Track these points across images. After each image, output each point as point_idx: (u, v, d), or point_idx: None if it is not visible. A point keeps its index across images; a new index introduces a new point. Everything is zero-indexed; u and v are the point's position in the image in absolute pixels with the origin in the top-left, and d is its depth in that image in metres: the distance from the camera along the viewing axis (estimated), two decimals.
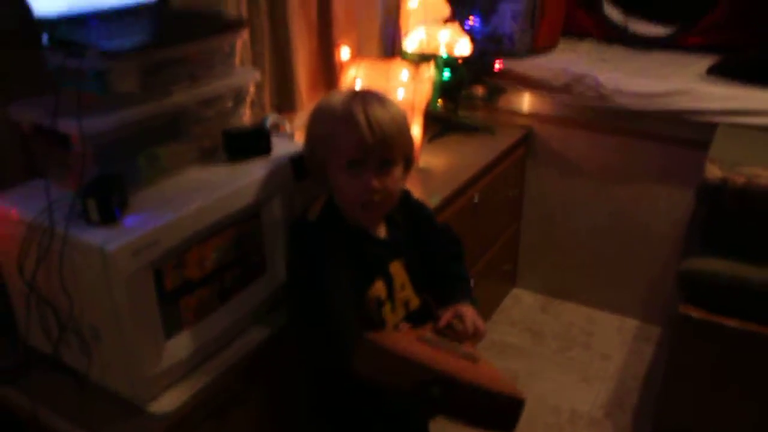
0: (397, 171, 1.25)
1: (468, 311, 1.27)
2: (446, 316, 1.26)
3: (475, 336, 1.26)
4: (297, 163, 1.36)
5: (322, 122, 1.26)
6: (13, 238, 1.15)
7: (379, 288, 1.27)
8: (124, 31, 1.23)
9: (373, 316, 1.26)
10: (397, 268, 1.32)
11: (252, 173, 1.31)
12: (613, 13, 2.75)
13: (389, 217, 1.35)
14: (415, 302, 1.34)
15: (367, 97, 1.23)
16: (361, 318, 1.24)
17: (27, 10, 1.15)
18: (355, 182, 1.22)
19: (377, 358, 1.06)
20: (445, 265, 1.41)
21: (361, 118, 1.18)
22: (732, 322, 1.76)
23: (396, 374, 1.05)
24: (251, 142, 1.38)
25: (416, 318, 1.32)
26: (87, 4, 1.25)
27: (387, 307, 1.29)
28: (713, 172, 1.80)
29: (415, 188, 2.01)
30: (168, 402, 1.16)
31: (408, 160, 1.30)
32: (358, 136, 1.18)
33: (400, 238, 1.36)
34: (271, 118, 1.82)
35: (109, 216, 1.08)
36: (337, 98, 1.24)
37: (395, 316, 1.30)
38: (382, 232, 1.34)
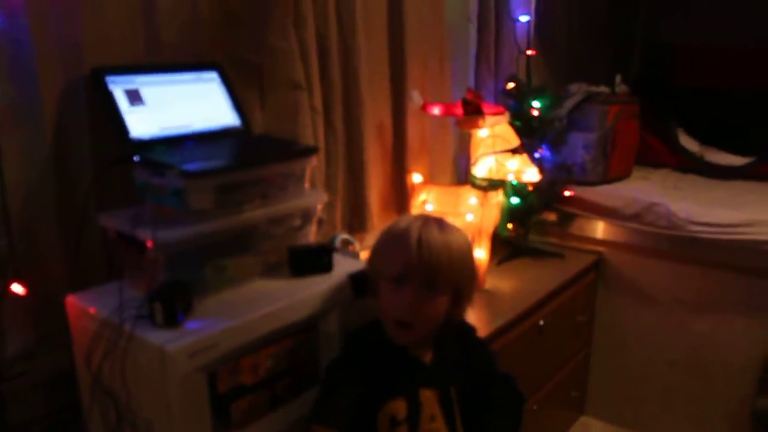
0: (441, 300, 1.25)
1: None
2: None
3: None
4: (357, 280, 1.41)
5: (382, 238, 1.31)
6: (87, 333, 1.25)
7: (397, 407, 1.25)
8: (206, 153, 1.37)
9: None
10: (428, 397, 1.28)
11: (312, 288, 1.37)
12: (690, 144, 2.77)
13: (439, 345, 1.33)
14: None
15: (429, 220, 1.27)
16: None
17: (125, 133, 1.32)
18: (392, 297, 1.24)
19: None
20: (489, 419, 1.33)
21: (413, 236, 1.21)
22: None
23: None
24: (314, 259, 1.45)
25: None
26: (178, 128, 1.41)
27: (403, 429, 1.25)
28: None
29: (480, 310, 2.03)
30: None
31: (458, 292, 1.29)
32: (406, 253, 1.21)
33: (445, 369, 1.32)
34: (341, 237, 1.92)
35: (172, 319, 1.17)
36: (404, 219, 1.30)
37: None
38: (427, 357, 1.32)
